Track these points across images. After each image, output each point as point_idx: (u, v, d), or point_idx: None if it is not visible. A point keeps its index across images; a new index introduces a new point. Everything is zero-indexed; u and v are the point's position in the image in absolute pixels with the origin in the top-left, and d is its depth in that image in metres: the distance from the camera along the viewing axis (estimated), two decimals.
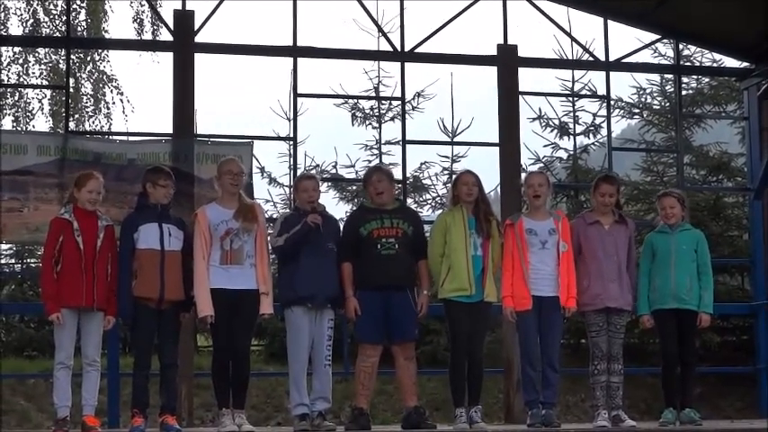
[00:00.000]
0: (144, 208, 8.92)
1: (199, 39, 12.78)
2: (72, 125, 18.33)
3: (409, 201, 16.29)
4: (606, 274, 9.30)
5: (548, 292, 9.14)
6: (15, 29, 19.84)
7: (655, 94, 18.50)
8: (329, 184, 17.17)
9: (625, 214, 9.90)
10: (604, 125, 16.19)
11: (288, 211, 9.65)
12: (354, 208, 16.57)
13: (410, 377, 9.33)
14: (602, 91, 15.24)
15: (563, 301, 9.14)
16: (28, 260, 17.60)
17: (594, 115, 17.85)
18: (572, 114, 17.98)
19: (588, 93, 17.30)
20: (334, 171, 17.41)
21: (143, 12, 20.43)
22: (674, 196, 9.71)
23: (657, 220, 9.87)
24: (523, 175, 11.58)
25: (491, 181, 13.13)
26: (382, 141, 17.28)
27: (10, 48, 19.91)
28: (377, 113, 17.43)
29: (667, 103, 18.28)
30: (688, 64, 17.12)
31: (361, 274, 9.14)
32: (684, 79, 17.39)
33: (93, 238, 8.61)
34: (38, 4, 19.96)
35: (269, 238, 9.12)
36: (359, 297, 9.13)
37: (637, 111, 18.65)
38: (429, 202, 17.86)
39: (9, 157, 11.87)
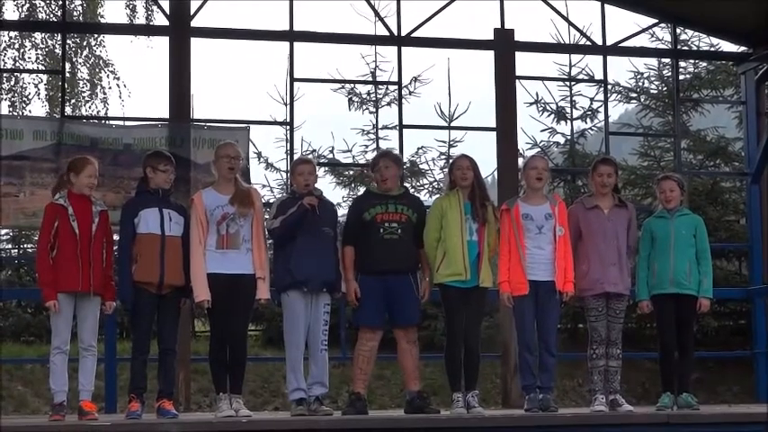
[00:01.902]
0: (145, 193, 8.91)
1: (195, 23, 12.75)
2: (68, 110, 18.31)
3: (406, 186, 16.26)
4: (606, 259, 9.28)
5: (544, 277, 9.13)
6: (11, 13, 19.82)
7: (652, 79, 18.47)
8: (326, 168, 17.17)
9: (624, 198, 9.89)
10: (602, 110, 16.20)
11: (284, 195, 9.63)
12: (352, 192, 16.66)
13: (413, 361, 9.33)
14: (599, 75, 15.25)
15: (560, 286, 9.13)
16: (25, 245, 17.58)
17: (592, 100, 17.83)
18: (569, 99, 17.95)
19: (585, 77, 17.28)
20: (330, 156, 17.39)
21: None
22: (674, 180, 9.69)
23: (656, 205, 9.86)
24: (521, 160, 11.57)
25: (488, 165, 13.12)
26: (379, 126, 17.27)
27: (6, 32, 19.86)
28: (374, 98, 17.40)
29: (665, 88, 18.24)
30: (685, 48, 17.11)
31: (363, 259, 9.16)
32: (682, 64, 17.37)
33: (89, 224, 8.60)
34: None
35: (265, 222, 9.11)
36: (360, 281, 9.14)
37: (634, 95, 18.61)
38: (426, 186, 17.84)
39: (5, 143, 11.86)
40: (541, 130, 17.98)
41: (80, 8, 20.27)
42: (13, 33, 19.97)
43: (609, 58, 14.30)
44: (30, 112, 19.58)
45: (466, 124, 17.06)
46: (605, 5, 14.06)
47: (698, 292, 9.49)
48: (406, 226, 9.21)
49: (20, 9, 19.83)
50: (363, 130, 17.42)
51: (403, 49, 13.58)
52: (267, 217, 9.24)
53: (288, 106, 13.87)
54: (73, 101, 19.91)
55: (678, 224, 9.53)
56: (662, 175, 9.95)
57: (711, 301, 9.67)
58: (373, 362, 9.36)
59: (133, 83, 29.65)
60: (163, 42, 12.89)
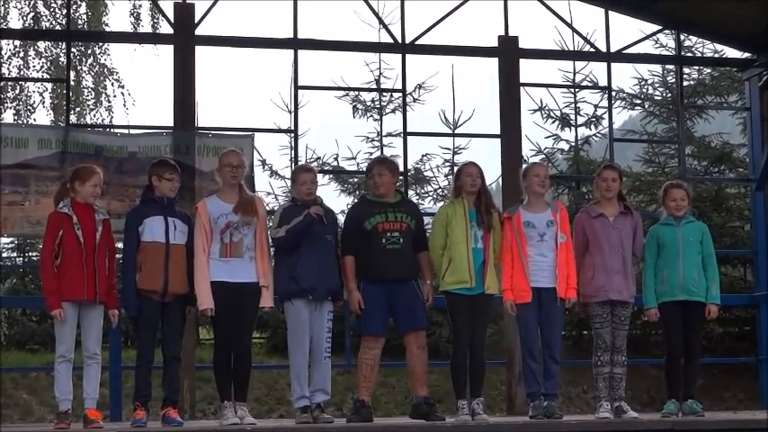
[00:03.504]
0: (149, 201, 8.92)
1: (199, 31, 12.75)
2: (73, 118, 18.34)
3: (411, 193, 16.30)
4: (611, 267, 9.28)
5: (547, 284, 9.14)
6: (15, 22, 19.84)
7: (656, 85, 18.49)
8: (330, 176, 17.18)
9: (630, 205, 9.89)
10: (606, 116, 16.18)
11: (286, 202, 9.63)
12: (356, 200, 16.64)
13: (422, 366, 9.33)
14: (603, 82, 15.22)
15: (562, 292, 9.13)
16: (29, 254, 17.59)
17: (596, 106, 17.85)
18: (573, 106, 17.98)
19: (589, 84, 17.28)
20: (335, 163, 17.41)
21: (140, 6, 20.41)
22: (684, 188, 9.70)
23: (661, 212, 9.85)
24: (524, 166, 11.55)
25: (492, 173, 13.13)
26: (383, 133, 17.29)
27: (10, 41, 19.89)
28: (378, 105, 17.43)
29: (669, 94, 18.26)
30: (689, 54, 17.08)
31: (366, 268, 9.14)
32: (686, 70, 17.37)
33: (93, 232, 8.62)
34: None
35: (269, 231, 9.11)
36: (363, 289, 9.14)
37: (638, 102, 18.63)
38: (430, 193, 17.87)
39: (10, 151, 11.87)
40: (546, 137, 18.02)
41: (84, 16, 20.28)
42: (17, 42, 19.98)
43: (613, 64, 14.28)
44: (34, 120, 19.58)
45: (470, 131, 17.09)
46: (609, 12, 14.06)
47: (706, 299, 9.49)
48: (407, 234, 9.22)
49: (24, 18, 19.86)
50: (368, 138, 17.45)
51: (407, 56, 13.57)
52: (271, 225, 9.24)
53: (292, 114, 13.90)
54: (78, 109, 19.92)
55: (685, 231, 9.53)
56: (671, 183, 9.91)
57: (719, 307, 9.67)
58: (377, 369, 9.35)
59: (138, 91, 29.69)
60: (167, 50, 12.90)
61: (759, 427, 9.07)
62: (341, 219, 10.02)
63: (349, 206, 16.39)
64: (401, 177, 13.28)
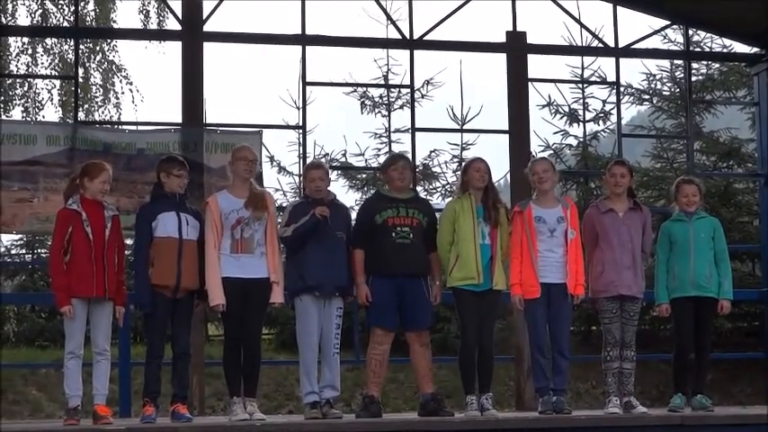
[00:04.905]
0: (161, 197, 8.90)
1: (207, 28, 12.76)
2: (81, 115, 18.39)
3: (419, 189, 16.30)
4: (621, 262, 9.27)
5: (556, 280, 9.12)
6: (24, 19, 19.89)
7: (665, 81, 18.50)
8: (339, 172, 17.20)
9: (640, 201, 9.89)
10: (614, 112, 16.18)
11: (297, 199, 9.62)
12: (365, 196, 16.69)
13: (426, 364, 9.35)
14: (611, 77, 15.25)
15: (571, 289, 9.12)
16: (38, 250, 17.64)
17: (604, 102, 17.88)
18: (582, 101, 17.99)
19: (598, 79, 17.30)
20: (343, 159, 17.43)
21: (148, 3, 20.44)
22: (696, 184, 9.69)
23: (672, 208, 9.85)
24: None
25: (501, 168, 13.14)
26: (392, 129, 17.32)
27: (19, 38, 19.93)
28: (386, 101, 17.45)
29: (677, 90, 18.26)
30: (698, 50, 17.10)
31: (375, 261, 9.14)
32: (694, 65, 17.37)
33: (102, 228, 8.60)
34: None
35: (277, 228, 9.11)
36: (372, 283, 9.13)
37: (647, 97, 18.64)
38: (439, 189, 17.89)
39: (19, 148, 11.89)
40: (554, 133, 18.05)
41: (92, 13, 20.33)
42: (25, 39, 20.02)
43: (621, 59, 14.27)
44: (43, 117, 19.64)
45: (478, 127, 17.13)
46: (617, 7, 14.04)
47: (718, 294, 9.47)
48: (418, 230, 9.21)
49: (32, 15, 19.90)
50: (376, 134, 17.50)
51: (415, 52, 13.56)
52: (279, 221, 9.24)
53: (300, 110, 13.93)
54: (86, 106, 19.98)
55: (697, 227, 9.51)
56: (683, 179, 9.89)
57: (731, 302, 9.65)
58: (386, 364, 9.34)
59: (146, 88, 29.75)
60: (175, 47, 12.91)
61: (760, 422, 9.06)
62: (354, 214, 10.00)
63: (357, 202, 16.47)
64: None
